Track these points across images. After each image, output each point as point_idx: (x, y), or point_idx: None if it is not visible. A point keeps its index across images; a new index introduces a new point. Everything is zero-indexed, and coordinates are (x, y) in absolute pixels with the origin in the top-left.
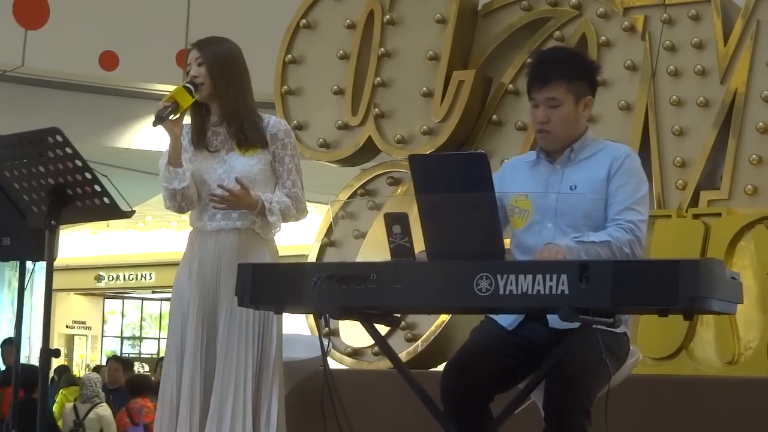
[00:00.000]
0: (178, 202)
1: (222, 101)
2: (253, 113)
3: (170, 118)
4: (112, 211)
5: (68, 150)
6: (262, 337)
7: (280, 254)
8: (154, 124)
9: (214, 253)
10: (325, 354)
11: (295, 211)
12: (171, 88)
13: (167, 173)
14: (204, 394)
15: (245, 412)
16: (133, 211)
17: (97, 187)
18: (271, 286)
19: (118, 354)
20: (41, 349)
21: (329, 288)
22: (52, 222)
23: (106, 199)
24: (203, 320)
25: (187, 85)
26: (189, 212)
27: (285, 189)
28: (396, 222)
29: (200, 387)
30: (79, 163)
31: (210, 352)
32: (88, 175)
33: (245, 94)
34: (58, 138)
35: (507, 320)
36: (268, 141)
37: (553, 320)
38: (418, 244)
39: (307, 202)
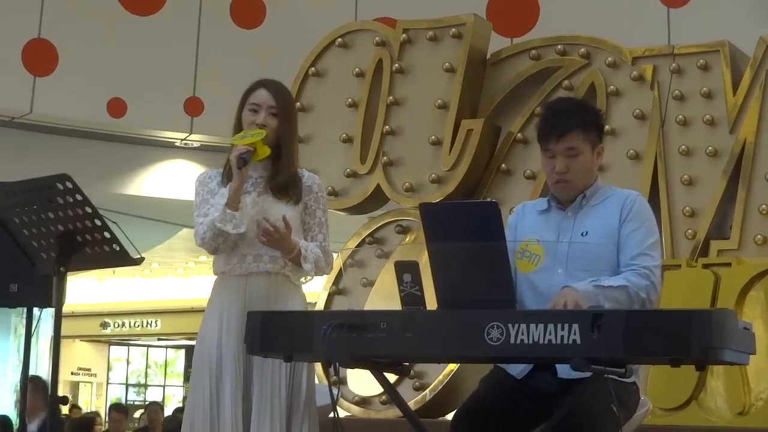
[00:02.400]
0: (219, 243)
1: (278, 156)
2: (296, 169)
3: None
4: (122, 258)
5: (78, 196)
6: (291, 385)
7: None
8: (240, 166)
9: (245, 299)
10: (334, 402)
11: (325, 264)
12: (179, 135)
13: (223, 215)
14: None
15: None
16: (143, 258)
17: (107, 234)
18: (280, 334)
19: (123, 401)
20: (49, 396)
21: (339, 336)
22: (62, 268)
23: (115, 246)
24: (238, 369)
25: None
26: (212, 258)
27: (316, 242)
28: (406, 270)
29: None
30: (88, 209)
31: (247, 401)
32: (98, 222)
33: (296, 149)
34: (68, 184)
35: (516, 369)
36: (303, 193)
37: (562, 370)
38: (429, 293)
39: None
